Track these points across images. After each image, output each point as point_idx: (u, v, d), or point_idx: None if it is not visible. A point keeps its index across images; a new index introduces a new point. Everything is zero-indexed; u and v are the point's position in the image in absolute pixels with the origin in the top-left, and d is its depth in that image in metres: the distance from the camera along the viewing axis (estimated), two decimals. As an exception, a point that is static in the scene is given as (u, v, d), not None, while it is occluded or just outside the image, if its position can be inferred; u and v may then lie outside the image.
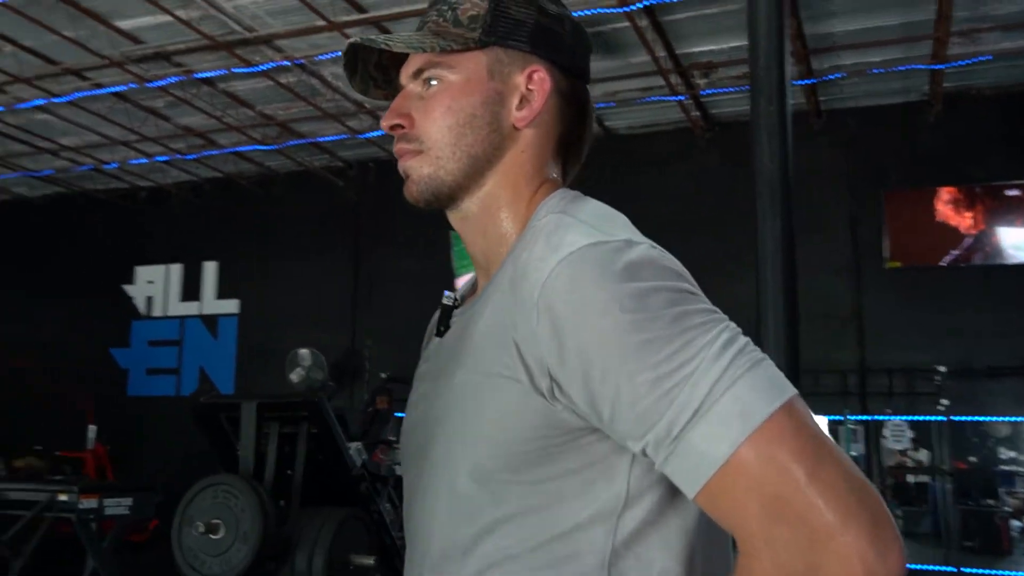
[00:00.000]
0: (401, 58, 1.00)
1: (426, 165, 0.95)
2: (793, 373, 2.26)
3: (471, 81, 0.94)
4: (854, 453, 9.02)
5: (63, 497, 3.85)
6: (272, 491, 3.54)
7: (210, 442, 3.77)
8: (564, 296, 0.79)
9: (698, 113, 8.69)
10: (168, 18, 6.94)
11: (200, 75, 7.97)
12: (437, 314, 1.03)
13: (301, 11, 6.85)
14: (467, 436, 0.87)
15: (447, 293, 1.03)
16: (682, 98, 8.26)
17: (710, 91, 8.19)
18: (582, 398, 0.79)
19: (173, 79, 8.08)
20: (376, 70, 1.04)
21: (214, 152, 10.05)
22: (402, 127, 0.96)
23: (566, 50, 0.98)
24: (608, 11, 6.68)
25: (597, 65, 7.76)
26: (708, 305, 0.82)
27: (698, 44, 7.47)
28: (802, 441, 0.73)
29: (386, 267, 9.86)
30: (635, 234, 0.87)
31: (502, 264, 0.91)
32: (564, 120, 0.98)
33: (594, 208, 0.92)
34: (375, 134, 9.37)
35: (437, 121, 0.94)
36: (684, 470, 0.75)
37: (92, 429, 9.28)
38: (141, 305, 11.38)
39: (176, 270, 11.18)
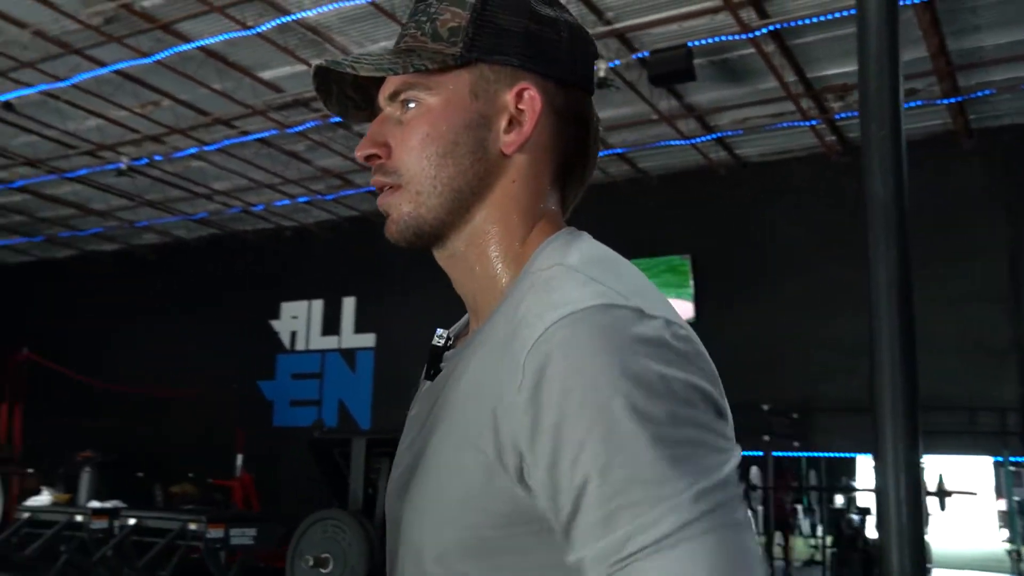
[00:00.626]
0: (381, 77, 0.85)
1: (405, 202, 0.82)
2: (910, 412, 2.11)
3: (451, 103, 0.81)
4: (1017, 498, 8.29)
5: (193, 526, 4.04)
6: (380, 526, 3.58)
7: (324, 476, 3.86)
8: (555, 361, 0.67)
9: (833, 137, 8.34)
10: (304, 67, 7.31)
11: (336, 119, 8.35)
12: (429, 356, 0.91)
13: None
14: (435, 514, 0.76)
15: (439, 332, 0.90)
16: (814, 122, 7.95)
17: (845, 114, 7.85)
18: (543, 483, 0.67)
19: (311, 124, 8.50)
20: (354, 91, 0.91)
21: (351, 192, 10.48)
22: (378, 157, 0.83)
23: (563, 60, 0.84)
24: (732, 38, 6.53)
25: (725, 93, 7.60)
26: (713, 419, 0.69)
27: (830, 67, 7.18)
28: None
29: (516, 301, 9.92)
30: (649, 296, 0.74)
31: (495, 312, 0.79)
32: (563, 140, 0.85)
33: (604, 257, 0.79)
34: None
35: (415, 151, 0.82)
36: None
37: (240, 458, 9.76)
38: (286, 339, 11.92)
39: (317, 305, 11.67)
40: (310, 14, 6.58)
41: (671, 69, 6.44)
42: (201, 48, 7.02)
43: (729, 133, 8.41)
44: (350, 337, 11.39)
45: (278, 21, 6.63)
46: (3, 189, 10.67)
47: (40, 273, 14.06)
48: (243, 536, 4.15)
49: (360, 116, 0.93)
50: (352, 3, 6.42)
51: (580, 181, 0.90)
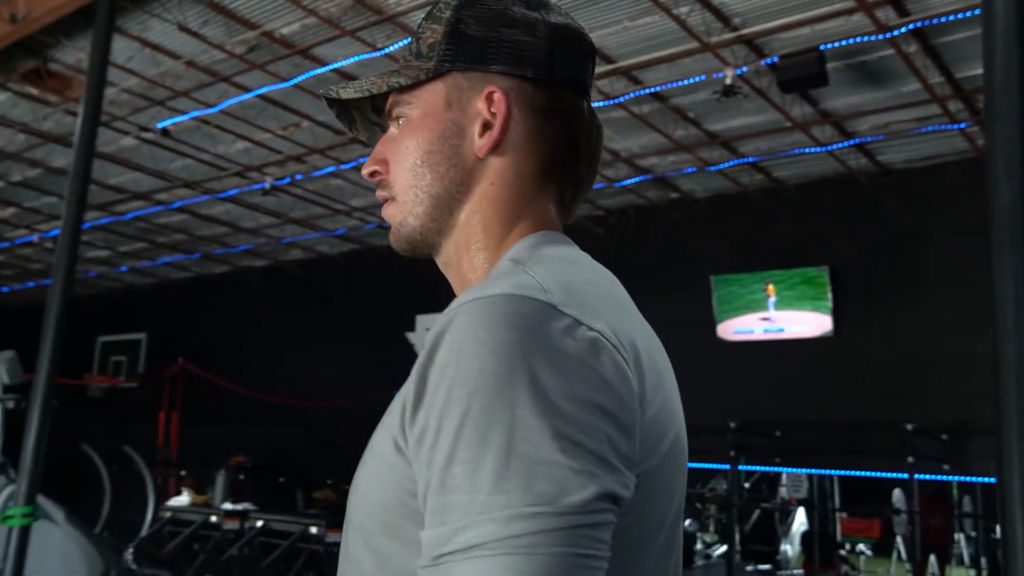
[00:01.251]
0: None
1: (397, 213, 0.87)
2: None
3: (428, 115, 0.85)
4: None
5: (313, 530, 4.19)
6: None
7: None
8: (443, 344, 0.66)
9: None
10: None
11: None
12: None
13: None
14: (359, 492, 0.77)
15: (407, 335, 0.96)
16: (964, 125, 7.45)
17: (1000, 115, 7.31)
18: (413, 460, 0.67)
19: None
20: (376, 116, 0.96)
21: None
22: (380, 173, 0.88)
23: (541, 59, 0.84)
24: (869, 39, 6.22)
25: (863, 98, 7.25)
26: (594, 439, 0.64)
27: (980, 66, 6.71)
28: None
29: (647, 313, 9.73)
30: (580, 297, 0.71)
31: None
32: (545, 139, 0.84)
33: (558, 257, 0.78)
34: (631, 181, 9.42)
35: (400, 163, 0.86)
36: None
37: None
38: (420, 350, 12.23)
39: (449, 318, 11.91)
40: (436, 34, 6.74)
41: (802, 74, 6.20)
42: (335, 70, 7.33)
43: (869, 139, 8.00)
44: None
45: (406, 41, 6.84)
46: (164, 210, 11.48)
47: (198, 288, 15.03)
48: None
49: None
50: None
51: (576, 180, 0.89)
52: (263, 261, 13.97)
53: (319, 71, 7.37)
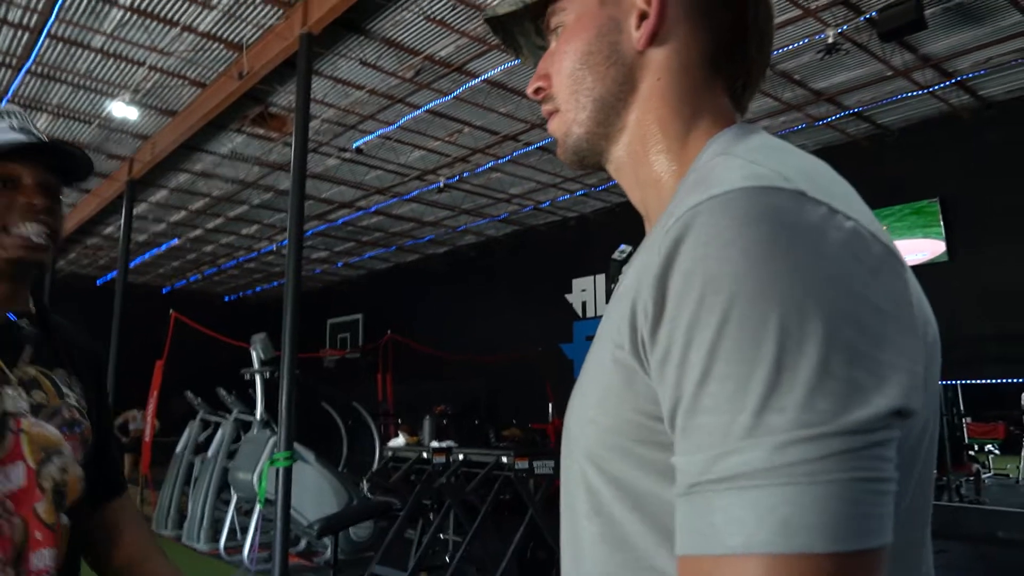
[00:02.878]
0: None
1: (561, 124, 0.70)
2: None
3: (583, 16, 0.69)
4: None
5: (504, 459, 4.23)
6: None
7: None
8: (686, 247, 0.50)
9: (1096, 63, 6.76)
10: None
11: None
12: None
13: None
14: (583, 414, 0.61)
15: (620, 247, 0.77)
16: (1072, 50, 6.50)
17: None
18: (656, 376, 0.52)
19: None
20: (540, 37, 0.79)
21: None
22: (543, 89, 0.72)
23: None
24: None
25: (963, 37, 6.49)
26: (870, 340, 0.47)
27: (1089, -11, 5.82)
28: None
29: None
30: (821, 182, 0.52)
31: (661, 215, 0.61)
32: (708, 24, 0.65)
33: (775, 145, 0.59)
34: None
35: (560, 72, 0.70)
36: (686, 526, 0.48)
37: (551, 406, 10.17)
38: (578, 308, 12.18)
39: (600, 279, 11.78)
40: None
41: (901, 23, 5.57)
42: (486, 80, 7.33)
43: (970, 76, 7.14)
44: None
45: (542, 48, 6.73)
46: (364, 214, 11.98)
47: (397, 274, 15.64)
48: (544, 467, 4.28)
49: None
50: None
51: (747, 66, 0.68)
52: (444, 247, 14.33)
53: (473, 83, 7.40)
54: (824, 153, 9.04)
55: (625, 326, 0.55)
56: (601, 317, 0.66)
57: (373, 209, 11.69)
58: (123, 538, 1.28)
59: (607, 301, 0.72)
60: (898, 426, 0.47)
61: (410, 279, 15.09)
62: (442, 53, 6.90)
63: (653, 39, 0.65)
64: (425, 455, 4.81)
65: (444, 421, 7.30)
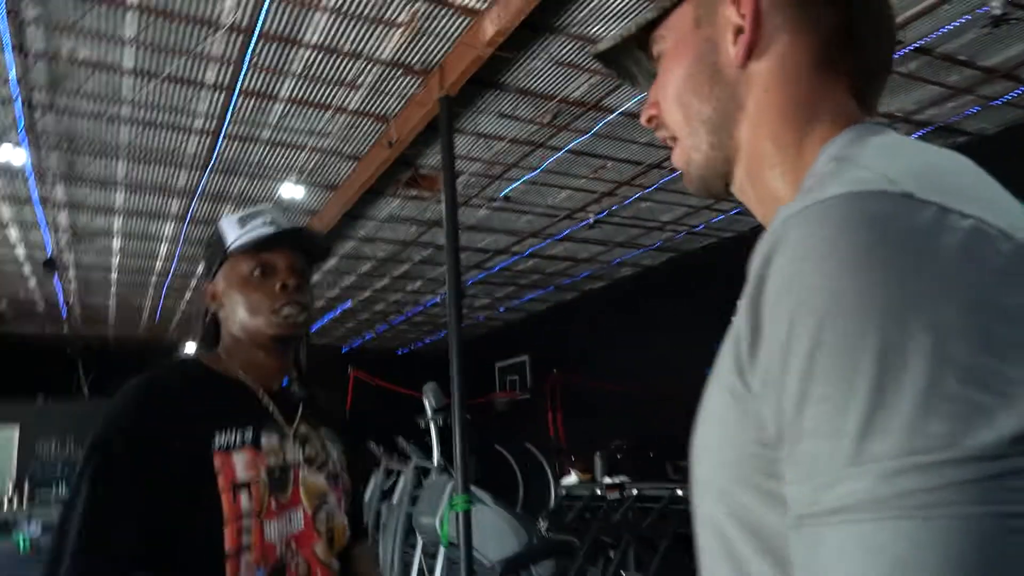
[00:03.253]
0: None
1: (681, 154, 0.70)
2: None
3: (680, 41, 0.68)
4: None
5: (680, 492, 4.11)
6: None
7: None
8: (776, 261, 0.47)
9: None
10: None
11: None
12: None
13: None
14: (705, 448, 0.59)
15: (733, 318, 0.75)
16: None
17: None
18: (762, 404, 0.48)
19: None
20: (652, 62, 0.77)
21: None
22: (655, 117, 0.72)
23: None
24: None
25: None
26: (991, 357, 0.40)
27: None
28: None
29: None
30: (935, 179, 0.47)
31: None
32: (811, 27, 0.62)
33: (895, 143, 0.54)
34: (914, 136, 8.22)
35: (667, 100, 0.69)
36: (798, 563, 0.44)
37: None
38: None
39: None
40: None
41: (1083, -23, 4.98)
42: (622, 113, 7.35)
43: None
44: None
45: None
46: (520, 258, 12.27)
47: (557, 314, 15.81)
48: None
49: None
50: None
51: (864, 65, 0.64)
52: (601, 283, 14.31)
53: (610, 117, 7.44)
54: (1006, 135, 8.16)
55: (730, 353, 0.54)
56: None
57: (527, 253, 11.94)
58: None
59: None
60: None
61: (571, 316, 15.19)
62: (576, 94, 7.02)
63: (752, 52, 0.63)
64: (598, 492, 4.77)
65: (619, 456, 7.20)
